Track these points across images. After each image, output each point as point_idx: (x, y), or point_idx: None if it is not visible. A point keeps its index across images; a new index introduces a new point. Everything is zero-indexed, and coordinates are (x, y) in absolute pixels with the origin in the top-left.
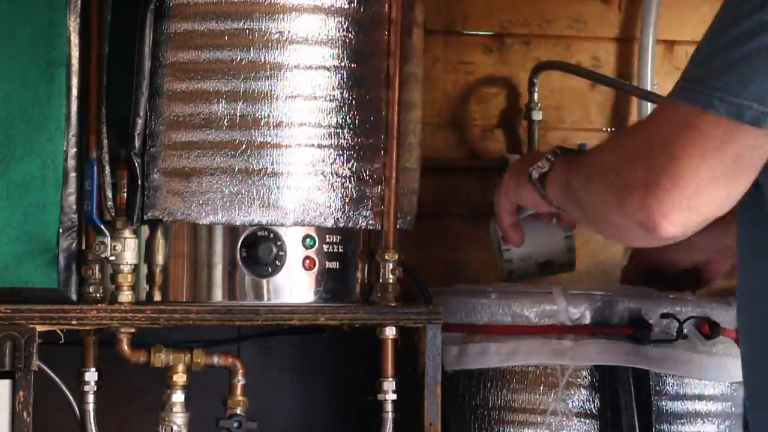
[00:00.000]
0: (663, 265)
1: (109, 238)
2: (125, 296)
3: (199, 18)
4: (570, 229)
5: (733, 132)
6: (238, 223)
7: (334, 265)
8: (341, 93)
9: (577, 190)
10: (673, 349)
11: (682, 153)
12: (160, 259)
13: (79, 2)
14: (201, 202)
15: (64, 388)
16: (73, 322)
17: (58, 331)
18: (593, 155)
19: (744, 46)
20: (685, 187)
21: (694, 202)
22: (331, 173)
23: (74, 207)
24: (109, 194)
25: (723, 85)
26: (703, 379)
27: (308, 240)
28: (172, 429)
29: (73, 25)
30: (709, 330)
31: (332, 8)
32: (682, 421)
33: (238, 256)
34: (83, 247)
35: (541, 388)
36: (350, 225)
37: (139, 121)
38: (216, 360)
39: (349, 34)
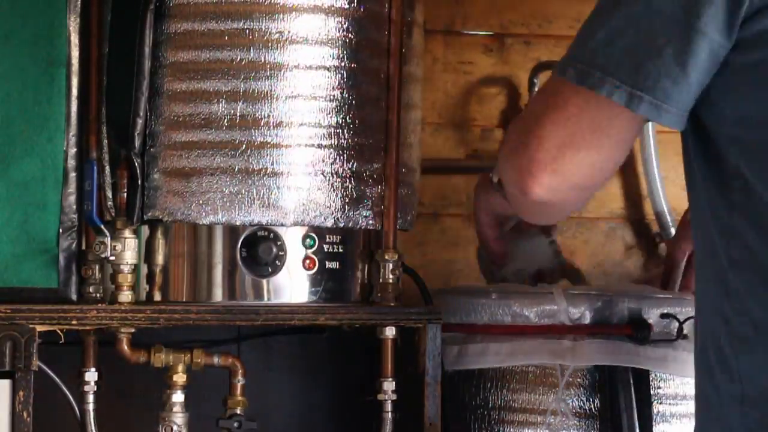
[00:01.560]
0: None
1: (109, 238)
2: (125, 296)
3: (199, 18)
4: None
5: (588, 101)
6: (238, 223)
7: (334, 265)
8: (341, 93)
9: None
10: (673, 349)
11: (545, 117)
12: (160, 259)
13: (79, 2)
14: (201, 202)
15: (64, 388)
16: (73, 322)
17: (58, 331)
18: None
19: (596, 21)
20: (548, 149)
21: (558, 165)
22: (331, 173)
23: (74, 207)
24: (109, 194)
25: (576, 55)
26: None
27: (308, 240)
28: (172, 429)
29: (73, 25)
30: None
31: (332, 8)
32: (681, 421)
33: (238, 256)
34: (83, 247)
35: (541, 388)
36: (350, 225)
37: (139, 121)
38: (216, 360)
39: (349, 34)
